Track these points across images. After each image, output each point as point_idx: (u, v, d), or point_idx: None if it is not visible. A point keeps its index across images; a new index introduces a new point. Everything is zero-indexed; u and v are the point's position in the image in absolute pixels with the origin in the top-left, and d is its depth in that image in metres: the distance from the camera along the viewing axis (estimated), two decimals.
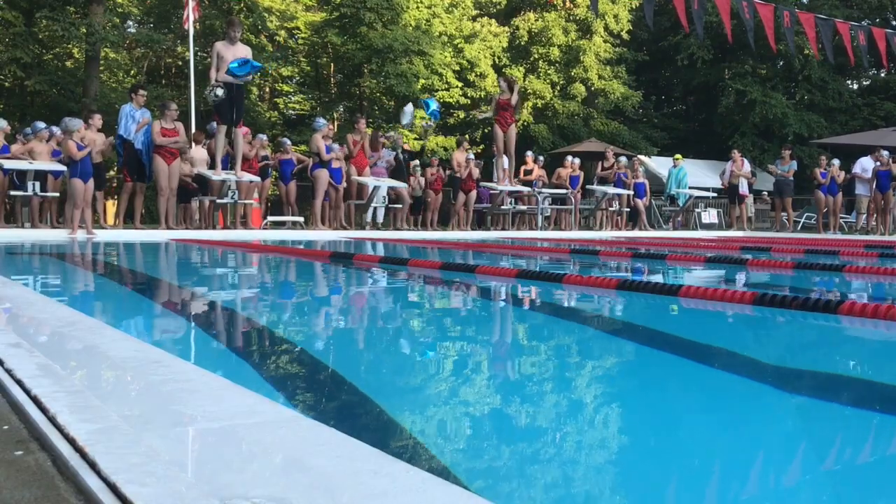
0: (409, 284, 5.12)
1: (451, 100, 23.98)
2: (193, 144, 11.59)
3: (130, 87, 13.26)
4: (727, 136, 27.02)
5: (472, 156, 14.03)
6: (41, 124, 11.02)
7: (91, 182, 9.65)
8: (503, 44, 25.16)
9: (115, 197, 13.01)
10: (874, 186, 14.44)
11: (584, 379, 2.34)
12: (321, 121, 12.70)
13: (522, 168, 15.34)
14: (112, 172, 14.74)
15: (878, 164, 14.35)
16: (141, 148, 10.81)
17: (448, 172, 14.29)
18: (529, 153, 16.07)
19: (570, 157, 15.96)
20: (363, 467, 1.12)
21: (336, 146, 12.49)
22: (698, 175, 20.69)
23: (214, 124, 11.88)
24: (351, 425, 1.59)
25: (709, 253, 7.48)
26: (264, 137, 12.87)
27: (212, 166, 11.23)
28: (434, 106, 14.69)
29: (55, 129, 11.17)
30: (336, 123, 23.70)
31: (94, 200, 10.40)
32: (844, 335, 3.17)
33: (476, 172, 13.90)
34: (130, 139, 10.83)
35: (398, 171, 13.56)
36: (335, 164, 12.26)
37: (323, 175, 11.95)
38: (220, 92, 10.30)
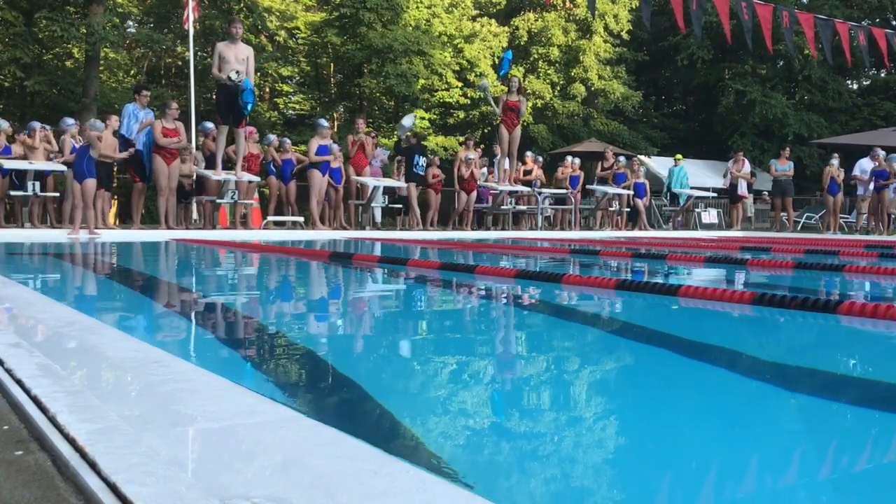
0: (408, 284, 5.12)
1: (451, 100, 23.99)
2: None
3: (133, 88, 13.23)
4: (727, 136, 27.04)
5: (472, 156, 14.01)
6: (37, 124, 11.04)
7: (93, 182, 9.62)
8: (503, 44, 25.19)
9: (115, 197, 13.01)
10: (872, 187, 14.49)
11: (584, 379, 2.34)
12: (322, 122, 12.70)
13: (522, 168, 15.34)
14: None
15: (875, 164, 14.39)
16: (142, 149, 10.82)
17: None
18: (529, 153, 16.07)
19: (569, 158, 15.97)
20: (363, 467, 1.12)
21: (336, 146, 12.49)
22: (698, 175, 20.70)
23: (206, 124, 11.91)
24: (351, 425, 1.59)
25: (709, 253, 7.48)
26: (273, 139, 12.86)
27: (211, 166, 11.24)
28: (509, 59, 14.51)
29: (70, 123, 11.27)
30: (336, 123, 23.71)
31: (96, 199, 10.41)
32: (844, 335, 3.17)
33: (478, 173, 13.90)
34: (132, 139, 10.84)
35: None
36: (334, 165, 12.26)
37: (314, 175, 11.94)
38: (233, 75, 10.40)
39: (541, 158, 17.01)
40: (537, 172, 15.39)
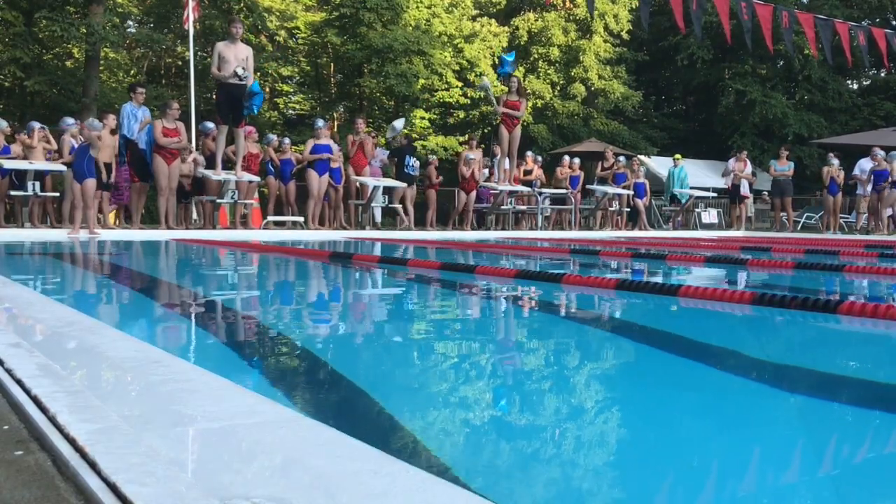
0: (408, 284, 5.12)
1: (451, 100, 23.99)
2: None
3: (129, 86, 13.22)
4: (727, 136, 27.04)
5: (472, 156, 14.03)
6: (36, 124, 11.03)
7: (94, 182, 9.61)
8: (503, 44, 25.20)
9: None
10: (870, 187, 14.51)
11: (584, 379, 2.34)
12: (318, 122, 12.70)
13: (522, 168, 15.33)
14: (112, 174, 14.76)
15: (874, 164, 14.40)
16: (145, 148, 10.81)
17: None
18: (529, 153, 16.08)
19: (567, 157, 15.98)
20: (363, 467, 1.12)
21: (335, 146, 12.47)
22: (698, 175, 20.70)
23: (207, 124, 11.92)
24: (351, 425, 1.59)
25: (709, 253, 7.48)
26: (273, 138, 12.88)
27: (211, 166, 11.25)
28: (510, 60, 14.63)
29: (69, 121, 11.24)
30: (336, 123, 23.71)
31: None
32: (844, 335, 3.17)
33: (479, 173, 13.92)
34: (134, 139, 10.84)
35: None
36: (334, 165, 12.25)
37: (310, 175, 11.95)
38: (240, 71, 10.40)
39: (540, 158, 17.02)
40: (537, 172, 15.38)
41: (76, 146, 10.35)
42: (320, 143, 12.04)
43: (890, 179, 14.18)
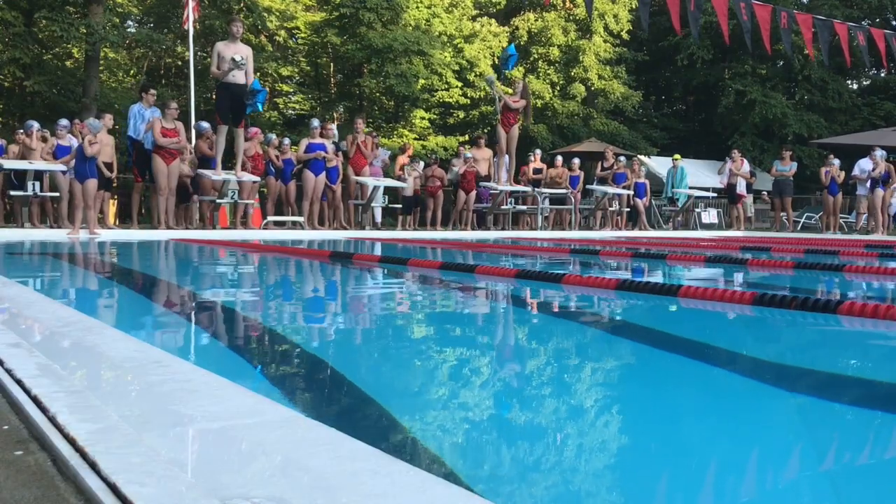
0: (408, 284, 5.12)
1: (451, 100, 23.98)
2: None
3: (140, 87, 13.19)
4: (727, 136, 27.05)
5: (470, 155, 14.05)
6: (35, 123, 10.99)
7: (94, 182, 9.60)
8: (503, 44, 25.20)
9: (115, 197, 13.00)
10: (869, 185, 14.52)
11: (585, 379, 2.34)
12: (314, 122, 12.69)
13: (531, 166, 15.33)
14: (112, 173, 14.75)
15: (874, 164, 14.41)
16: (151, 148, 10.80)
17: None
18: (538, 151, 16.16)
19: (559, 157, 16.07)
20: (363, 467, 1.12)
21: (331, 146, 12.42)
22: (698, 175, 20.70)
23: (202, 124, 11.90)
24: (351, 425, 1.59)
25: (709, 253, 7.48)
26: (273, 138, 12.88)
27: (204, 167, 11.26)
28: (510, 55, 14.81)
29: (62, 123, 11.20)
30: (336, 123, 23.70)
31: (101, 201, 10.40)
32: (844, 335, 3.17)
33: (484, 172, 13.96)
34: (140, 139, 10.83)
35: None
36: (331, 164, 12.22)
37: (305, 175, 11.94)
38: (237, 58, 10.42)
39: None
40: (548, 171, 15.41)
41: (74, 146, 10.34)
42: (315, 142, 12.03)
43: (892, 180, 14.19)
